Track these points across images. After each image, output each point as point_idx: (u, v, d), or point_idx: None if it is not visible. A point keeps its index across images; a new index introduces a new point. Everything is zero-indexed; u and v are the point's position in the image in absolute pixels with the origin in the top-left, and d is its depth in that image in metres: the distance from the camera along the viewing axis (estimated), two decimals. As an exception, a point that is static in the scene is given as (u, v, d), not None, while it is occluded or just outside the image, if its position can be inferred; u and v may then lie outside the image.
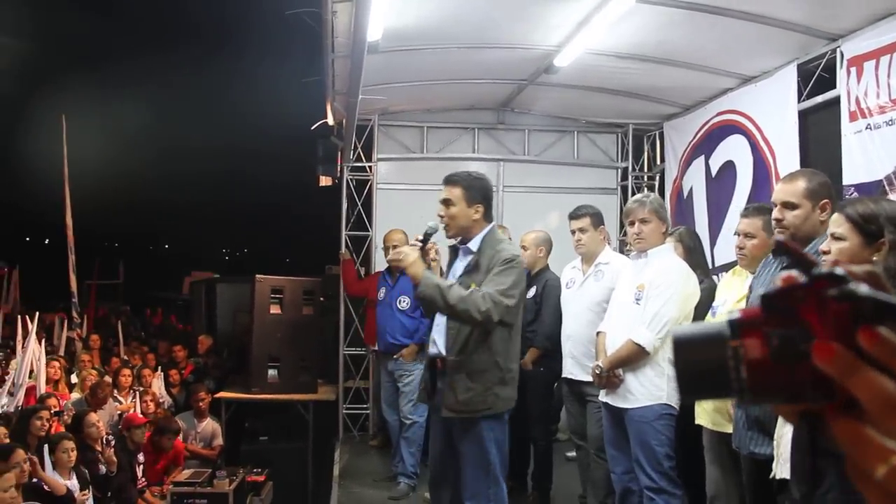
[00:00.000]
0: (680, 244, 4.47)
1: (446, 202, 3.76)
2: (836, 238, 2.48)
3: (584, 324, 4.69)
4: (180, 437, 7.57)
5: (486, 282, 3.59)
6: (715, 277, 5.22)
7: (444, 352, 3.72)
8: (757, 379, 0.67)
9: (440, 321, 3.77)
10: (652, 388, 3.99)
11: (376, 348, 6.66)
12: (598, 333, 4.37)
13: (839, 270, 0.65)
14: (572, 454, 5.48)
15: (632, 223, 4.13)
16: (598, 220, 4.88)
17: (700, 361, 0.70)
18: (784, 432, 2.82)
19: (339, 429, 7.83)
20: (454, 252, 3.93)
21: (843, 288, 0.63)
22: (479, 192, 3.78)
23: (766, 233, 3.62)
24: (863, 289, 0.63)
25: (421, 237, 3.71)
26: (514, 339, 3.80)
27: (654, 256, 4.07)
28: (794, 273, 0.67)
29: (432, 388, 3.84)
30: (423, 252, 3.69)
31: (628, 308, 4.11)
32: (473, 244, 3.77)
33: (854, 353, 0.62)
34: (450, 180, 3.82)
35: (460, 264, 3.84)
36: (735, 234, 3.89)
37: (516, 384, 3.82)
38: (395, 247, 5.94)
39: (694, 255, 4.53)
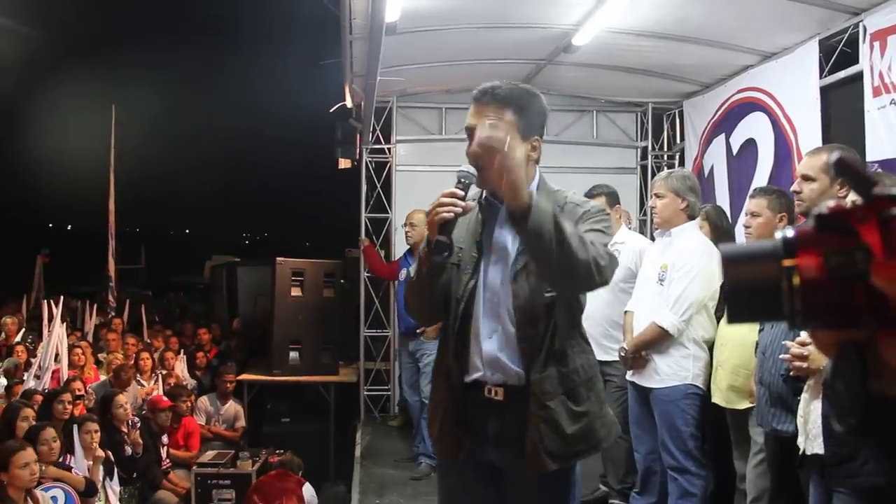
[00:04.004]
0: (707, 222, 4.43)
1: None
2: None
3: (601, 304, 4.65)
4: (204, 420, 7.67)
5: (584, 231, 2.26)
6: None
7: (520, 371, 2.32)
8: (811, 300, 0.64)
9: (486, 328, 2.35)
10: (678, 368, 4.00)
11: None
12: (625, 313, 4.37)
13: None
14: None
15: (652, 197, 4.21)
16: (613, 199, 4.88)
17: (750, 281, 0.67)
18: (811, 409, 2.80)
19: (360, 410, 7.88)
20: (488, 210, 2.43)
21: None
22: (538, 118, 2.38)
23: (770, 211, 3.66)
24: None
25: (460, 189, 2.24)
26: None
27: (677, 235, 4.06)
28: (841, 202, 0.65)
29: (463, 431, 2.38)
30: (464, 209, 2.24)
31: (653, 288, 4.11)
32: None
33: None
34: (497, 97, 2.31)
35: (505, 231, 2.37)
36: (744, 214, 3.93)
37: None
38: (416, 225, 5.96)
39: (720, 233, 4.49)
